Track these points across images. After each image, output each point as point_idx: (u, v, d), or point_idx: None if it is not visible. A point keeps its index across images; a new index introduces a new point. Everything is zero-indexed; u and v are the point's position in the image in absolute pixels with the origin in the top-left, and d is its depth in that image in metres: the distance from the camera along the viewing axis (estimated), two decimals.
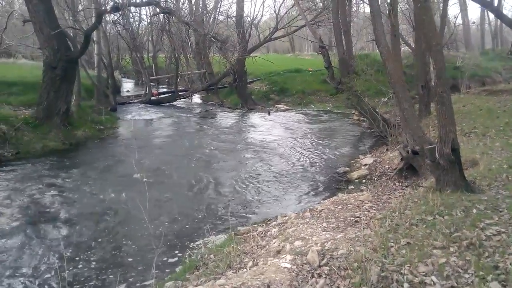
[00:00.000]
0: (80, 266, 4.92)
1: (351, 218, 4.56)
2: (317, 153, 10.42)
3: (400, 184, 6.77)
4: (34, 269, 4.84)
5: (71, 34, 13.06)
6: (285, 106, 19.13)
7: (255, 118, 16.47)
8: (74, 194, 7.50)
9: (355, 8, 27.27)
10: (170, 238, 5.66)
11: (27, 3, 11.32)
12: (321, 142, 11.75)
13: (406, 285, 2.84)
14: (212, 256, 4.73)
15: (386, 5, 13.90)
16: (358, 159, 9.38)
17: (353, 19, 24.19)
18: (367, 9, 27.42)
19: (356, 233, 3.99)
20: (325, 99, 20.12)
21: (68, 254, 4.98)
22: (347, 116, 16.08)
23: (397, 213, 4.27)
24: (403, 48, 14.67)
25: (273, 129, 13.78)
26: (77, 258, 5.09)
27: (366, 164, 8.66)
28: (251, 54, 19.69)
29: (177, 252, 5.30)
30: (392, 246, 3.37)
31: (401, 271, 2.97)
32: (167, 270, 4.81)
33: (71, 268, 4.73)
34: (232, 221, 6.14)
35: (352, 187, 7.44)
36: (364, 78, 11.72)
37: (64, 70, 11.29)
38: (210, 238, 5.60)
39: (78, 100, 13.23)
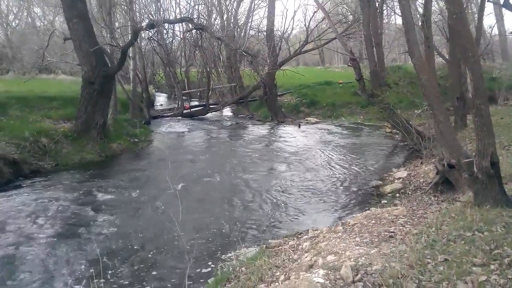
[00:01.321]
0: (114, 275, 5.04)
1: (385, 233, 4.45)
2: (348, 166, 10.29)
3: (436, 199, 6.57)
4: (69, 276, 5.00)
5: (108, 51, 13.63)
6: (315, 119, 19.04)
7: (285, 130, 16.48)
8: (109, 204, 7.73)
9: (387, 20, 26.98)
10: (202, 249, 5.70)
11: (67, 22, 11.92)
12: (352, 155, 11.60)
13: None
14: (243, 269, 4.72)
15: (419, 16, 13.66)
16: (391, 173, 9.18)
17: (385, 30, 23.93)
18: (399, 21, 27.09)
19: (390, 248, 3.89)
20: (356, 112, 19.88)
21: (103, 262, 5.10)
22: (378, 128, 15.82)
23: (433, 228, 4.14)
24: (437, 60, 14.32)
25: (304, 142, 13.73)
26: (111, 267, 5.21)
27: (399, 178, 8.46)
28: (281, 67, 19.81)
29: (209, 263, 5.33)
30: (429, 263, 3.27)
31: None
32: (199, 282, 4.84)
33: (105, 276, 4.84)
34: (262, 234, 6.14)
35: (385, 201, 7.27)
36: (397, 90, 11.52)
37: (101, 85, 11.76)
38: (241, 251, 5.60)
39: (114, 114, 13.73)
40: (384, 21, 24.18)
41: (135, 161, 11.55)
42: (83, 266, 5.26)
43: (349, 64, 13.85)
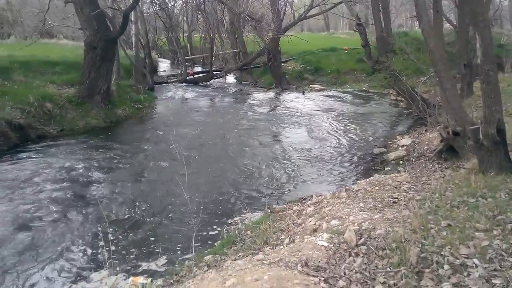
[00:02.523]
0: (122, 238, 5.19)
1: (389, 199, 4.52)
2: (352, 133, 10.30)
3: (440, 166, 6.60)
4: (80, 238, 5.16)
5: (110, 15, 13.34)
6: (319, 86, 18.85)
7: (289, 97, 16.38)
8: (115, 169, 7.86)
9: None
10: (207, 213, 5.82)
11: None
12: (357, 122, 11.58)
13: (446, 266, 2.80)
14: (248, 232, 4.84)
15: None
16: (395, 140, 9.19)
17: None
18: None
19: (394, 214, 3.96)
20: (361, 79, 19.61)
21: (110, 225, 5.22)
22: (383, 96, 15.68)
23: (437, 194, 4.19)
24: (444, 26, 13.95)
25: (308, 109, 13.68)
26: (118, 230, 5.36)
27: (403, 145, 8.48)
28: (286, 33, 19.42)
29: (214, 227, 5.46)
30: (432, 228, 3.32)
31: (442, 253, 2.93)
32: (205, 244, 4.97)
33: (113, 239, 4.98)
34: (267, 199, 6.24)
35: (389, 168, 7.32)
36: (403, 56, 11.34)
37: (104, 50, 11.62)
38: (246, 215, 5.73)
39: (118, 80, 13.63)
40: None
41: (139, 126, 11.59)
42: (91, 230, 5.40)
43: (355, 30, 13.52)
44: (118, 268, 4.37)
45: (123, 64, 15.63)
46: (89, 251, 4.87)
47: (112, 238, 4.88)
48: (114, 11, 14.00)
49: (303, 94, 16.93)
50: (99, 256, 4.69)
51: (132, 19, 16.09)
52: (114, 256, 4.42)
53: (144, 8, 20.14)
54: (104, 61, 11.74)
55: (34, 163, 7.97)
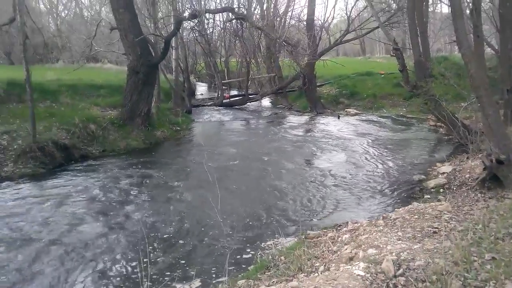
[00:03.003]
0: (158, 257, 5.28)
1: (429, 229, 4.37)
2: (389, 159, 10.09)
3: (483, 195, 6.33)
4: (118, 255, 5.30)
5: (152, 41, 13.97)
6: (355, 110, 18.69)
7: (324, 122, 16.32)
8: (153, 188, 8.11)
9: (432, 8, 25.91)
10: (240, 236, 5.83)
11: (113, 12, 12.35)
12: (394, 148, 11.34)
13: None
14: (282, 258, 4.79)
15: (467, 4, 13.01)
16: (435, 167, 8.91)
17: (430, 19, 22.97)
18: (445, 9, 25.96)
19: (434, 244, 3.82)
20: (398, 104, 19.29)
21: (147, 244, 5.32)
22: (422, 121, 15.32)
23: (480, 225, 4.02)
24: (485, 50, 13.57)
25: (343, 134, 13.56)
26: (155, 250, 5.47)
27: (444, 173, 8.20)
28: (321, 58, 19.53)
29: (248, 250, 5.45)
30: (475, 261, 3.19)
31: None
32: (239, 268, 4.96)
33: (151, 259, 5.06)
34: (300, 224, 6.18)
35: (429, 196, 7.09)
36: (442, 81, 11.09)
37: (146, 74, 12.14)
38: (279, 240, 5.68)
39: (158, 103, 14.15)
40: (429, 9, 23.23)
41: (177, 148, 11.92)
42: (129, 248, 5.54)
43: (392, 54, 13.41)
44: None
45: (163, 87, 16.24)
46: (126, 269, 4.98)
47: (149, 257, 4.98)
48: (156, 38, 14.66)
49: (338, 118, 16.84)
50: (135, 275, 4.78)
51: (173, 45, 16.76)
52: (151, 276, 4.47)
53: (184, 34, 20.92)
54: (146, 85, 12.25)
55: (77, 182, 8.34)
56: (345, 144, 11.89)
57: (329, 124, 15.53)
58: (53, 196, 7.44)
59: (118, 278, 4.79)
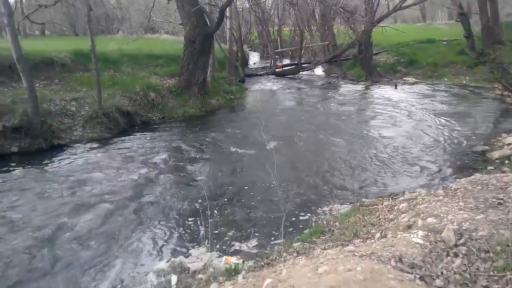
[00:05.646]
0: (217, 217, 5.55)
1: (493, 200, 4.19)
2: (450, 129, 9.64)
3: None
4: (181, 214, 5.65)
5: (208, 10, 14.07)
6: (413, 79, 17.85)
7: (380, 91, 15.81)
8: (211, 153, 8.49)
9: None
10: (295, 201, 5.92)
11: None
12: (456, 117, 10.78)
13: None
14: (337, 224, 4.84)
15: None
16: (500, 138, 8.40)
17: None
18: None
19: (499, 216, 3.69)
20: (461, 72, 18.09)
21: (208, 204, 5.54)
22: (488, 90, 14.32)
23: None
24: None
25: (400, 103, 13.08)
26: (214, 209, 5.74)
27: (510, 144, 7.75)
28: (379, 24, 18.67)
29: (302, 215, 5.57)
30: None
31: None
32: (294, 231, 5.10)
33: (210, 218, 5.32)
34: (355, 192, 6.17)
35: (492, 167, 6.74)
36: None
37: (201, 44, 12.35)
38: (334, 206, 5.74)
39: (213, 72, 14.42)
40: None
41: (232, 116, 12.19)
42: (191, 207, 5.87)
43: (457, 20, 12.57)
44: (213, 246, 4.68)
45: (218, 57, 16.46)
46: (190, 227, 5.29)
47: (209, 213, 5.25)
48: (212, 7, 14.74)
49: (396, 87, 16.22)
50: (197, 233, 5.08)
51: (227, 15, 16.77)
52: (211, 235, 4.73)
53: (238, 3, 20.87)
54: (201, 54, 12.48)
55: (140, 146, 8.86)
56: (402, 113, 11.51)
57: (386, 93, 15.03)
58: (119, 158, 7.98)
59: (182, 235, 5.11)
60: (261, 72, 20.35)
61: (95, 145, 8.85)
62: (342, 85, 18.00)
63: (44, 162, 7.69)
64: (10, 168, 7.32)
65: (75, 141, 9.00)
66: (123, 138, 9.44)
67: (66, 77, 11.51)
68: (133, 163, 7.72)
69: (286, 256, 4.23)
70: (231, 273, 3.92)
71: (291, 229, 5.18)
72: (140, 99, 11.09)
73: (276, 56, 21.53)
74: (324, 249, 4.09)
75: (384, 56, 21.11)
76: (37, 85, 9.95)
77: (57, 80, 11.26)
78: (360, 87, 17.19)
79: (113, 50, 14.44)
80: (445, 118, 10.75)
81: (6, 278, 4.19)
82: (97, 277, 4.22)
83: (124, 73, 12.83)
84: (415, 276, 2.78)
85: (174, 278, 3.99)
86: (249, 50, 28.63)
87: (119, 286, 4.07)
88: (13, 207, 5.83)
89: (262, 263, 4.27)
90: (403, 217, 4.49)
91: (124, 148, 8.68)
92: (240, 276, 3.76)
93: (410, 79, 17.79)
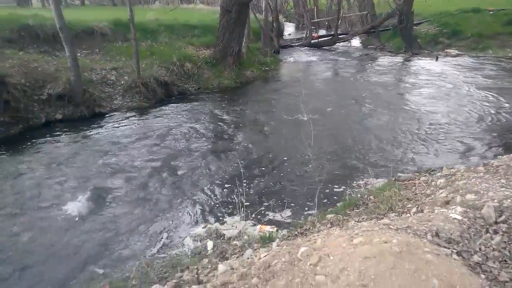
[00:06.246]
0: (253, 186, 5.67)
1: None
2: (494, 105, 9.23)
3: None
4: (218, 182, 5.78)
5: None
6: (456, 51, 17.05)
7: (420, 63, 15.24)
8: (246, 123, 8.59)
9: None
10: (330, 174, 5.91)
11: None
12: (500, 92, 10.28)
13: None
14: (372, 197, 4.84)
15: None
16: None
17: None
18: None
19: None
20: (508, 44, 17.12)
21: (243, 173, 5.68)
22: None
23: None
24: None
25: (442, 76, 12.59)
26: (250, 178, 5.86)
27: None
28: None
29: (336, 187, 5.60)
30: None
31: None
32: (327, 203, 5.14)
33: (245, 187, 5.45)
34: (391, 167, 6.10)
35: None
36: None
37: (237, 13, 12.22)
38: (369, 180, 5.73)
39: (248, 43, 14.29)
40: None
41: (267, 88, 12.15)
42: (227, 176, 6.01)
43: None
44: (248, 215, 4.80)
45: (253, 27, 16.26)
46: (224, 195, 5.45)
47: (244, 183, 5.37)
48: None
49: (437, 59, 15.58)
50: (232, 203, 5.21)
51: None
52: (245, 204, 4.83)
53: None
54: (237, 24, 12.37)
55: (177, 115, 9.06)
56: (444, 87, 11.10)
57: (427, 66, 14.49)
58: (156, 127, 8.20)
59: (217, 203, 5.27)
60: (296, 43, 20.00)
61: (134, 114, 9.11)
62: (380, 56, 17.48)
63: (86, 129, 8.01)
64: (56, 134, 7.69)
65: (115, 110, 9.29)
66: (161, 107, 9.66)
67: (106, 46, 11.74)
68: (170, 132, 7.93)
69: (320, 226, 4.29)
70: (265, 240, 4.02)
71: (325, 200, 5.23)
72: (176, 69, 11.23)
73: (312, 27, 21.01)
74: (358, 221, 4.12)
75: (426, 26, 20.20)
76: (79, 54, 10.19)
77: (97, 50, 11.51)
78: (399, 59, 16.64)
79: (151, 20, 14.54)
80: (490, 93, 10.29)
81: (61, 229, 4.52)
82: (136, 239, 4.45)
83: (161, 43, 12.94)
84: (452, 251, 2.77)
85: (210, 244, 4.13)
86: (285, 21, 28.03)
87: (157, 249, 4.27)
88: (60, 172, 6.18)
89: (296, 233, 4.36)
90: (441, 193, 4.43)
91: (162, 117, 8.89)
92: (274, 244, 3.86)
93: (452, 51, 17.02)
